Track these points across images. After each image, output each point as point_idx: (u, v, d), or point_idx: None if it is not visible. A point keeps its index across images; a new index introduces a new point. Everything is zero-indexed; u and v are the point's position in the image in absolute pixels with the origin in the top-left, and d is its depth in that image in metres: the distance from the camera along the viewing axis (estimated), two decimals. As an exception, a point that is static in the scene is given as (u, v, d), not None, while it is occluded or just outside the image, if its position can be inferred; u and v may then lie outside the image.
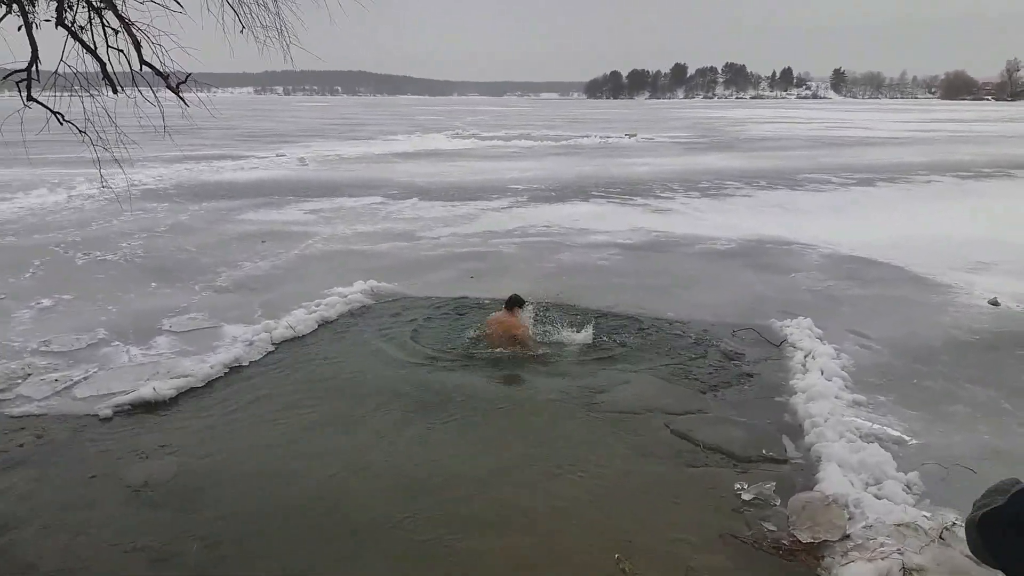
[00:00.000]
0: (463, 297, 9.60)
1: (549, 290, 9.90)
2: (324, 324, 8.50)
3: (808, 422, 5.77)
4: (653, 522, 4.54)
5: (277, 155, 30.94)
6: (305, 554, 4.25)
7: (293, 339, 7.97)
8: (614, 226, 14.73)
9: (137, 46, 5.20)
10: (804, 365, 6.99)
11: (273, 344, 7.77)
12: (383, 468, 5.22)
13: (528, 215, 16.25)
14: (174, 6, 5.39)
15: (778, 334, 8.01)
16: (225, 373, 7.01)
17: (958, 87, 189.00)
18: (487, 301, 9.31)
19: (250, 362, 7.31)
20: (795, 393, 6.39)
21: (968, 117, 72.75)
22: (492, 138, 43.22)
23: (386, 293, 9.77)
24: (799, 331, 7.89)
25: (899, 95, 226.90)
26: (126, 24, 5.18)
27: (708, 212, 16.63)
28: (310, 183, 22.04)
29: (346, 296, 9.33)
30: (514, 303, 7.89)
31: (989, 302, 9.15)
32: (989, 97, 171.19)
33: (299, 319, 8.35)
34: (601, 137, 43.06)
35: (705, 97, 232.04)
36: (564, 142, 39.87)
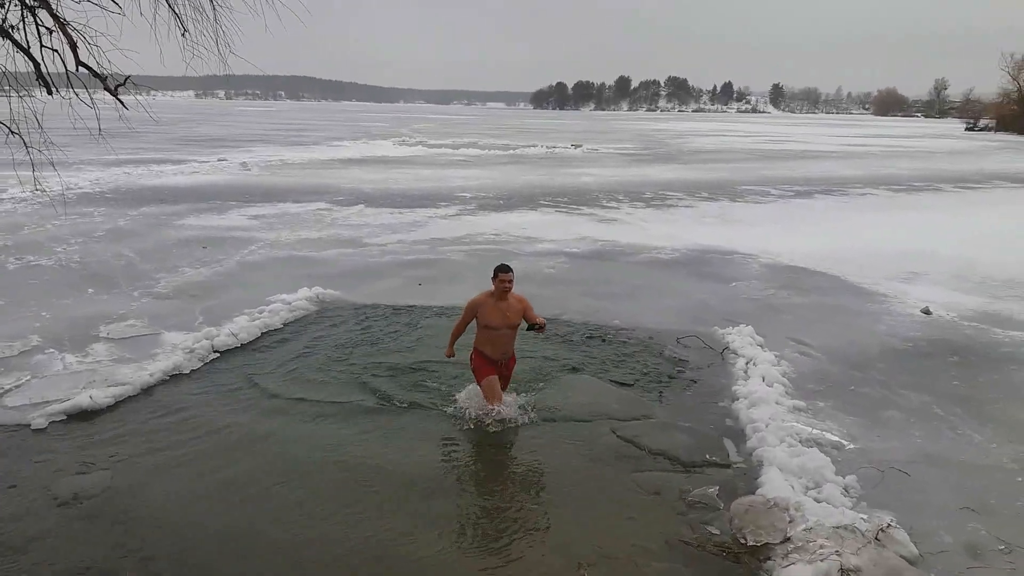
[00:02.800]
0: (412, 306, 9.54)
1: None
2: (268, 332, 8.35)
3: (750, 427, 5.89)
4: (604, 528, 4.57)
5: (219, 160, 30.33)
6: (243, 568, 4.15)
7: (236, 347, 7.81)
8: (561, 235, 14.83)
9: (73, 46, 5.05)
10: (746, 371, 7.13)
11: (215, 352, 7.60)
12: (324, 479, 5.14)
13: (476, 223, 16.26)
14: (111, 7, 5.26)
15: (720, 341, 8.16)
16: (164, 381, 6.83)
17: (890, 104, 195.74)
18: (427, 307, 9.27)
19: (191, 370, 7.13)
20: (737, 399, 6.52)
21: (900, 133, 75.40)
22: (439, 146, 43.16)
23: (332, 300, 9.65)
24: (741, 338, 8.05)
25: (835, 110, 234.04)
26: (61, 24, 5.04)
27: (652, 222, 16.87)
28: (253, 188, 21.65)
29: (290, 303, 9.18)
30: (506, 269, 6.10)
31: (922, 311, 9.48)
32: (919, 114, 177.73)
33: (242, 327, 8.18)
34: (548, 147, 43.36)
35: (649, 109, 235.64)
36: (511, 151, 40.03)
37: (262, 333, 8.27)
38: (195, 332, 7.98)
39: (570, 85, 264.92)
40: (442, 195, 20.91)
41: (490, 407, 6.05)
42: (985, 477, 5.21)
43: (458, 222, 16.41)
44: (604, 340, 8.26)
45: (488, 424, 5.96)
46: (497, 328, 6.03)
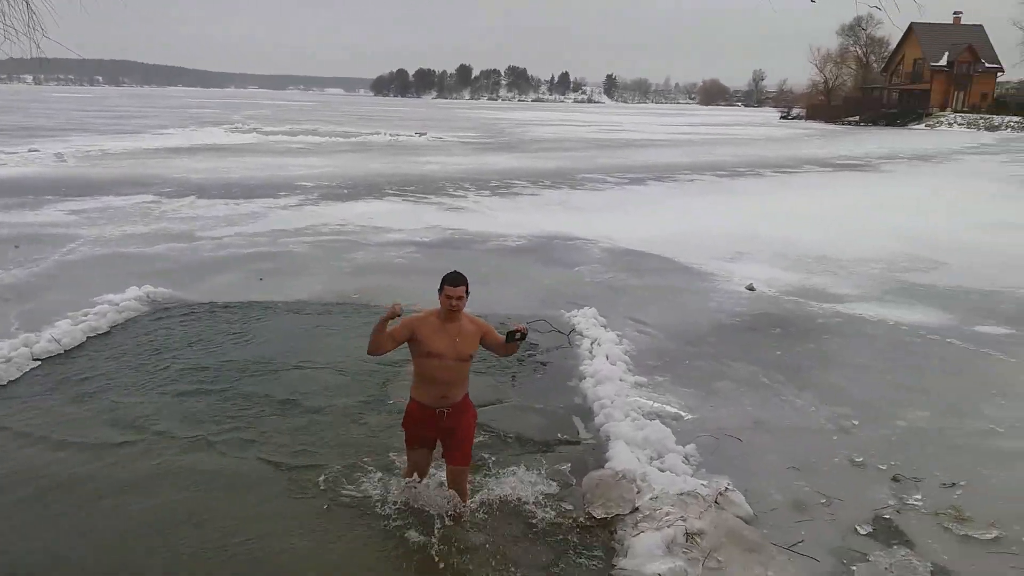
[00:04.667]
0: (254, 302, 9.17)
1: (347, 289, 9.75)
2: (94, 335, 7.75)
3: (597, 404, 6.16)
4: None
5: (29, 150, 27.60)
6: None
7: (59, 354, 7.19)
8: (409, 224, 14.74)
9: None
10: (591, 351, 7.43)
11: (35, 359, 6.97)
12: (170, 486, 4.88)
13: (319, 213, 15.84)
14: None
15: (567, 324, 8.44)
16: (-25, 395, 6.20)
17: (714, 94, 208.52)
18: (272, 303, 8.97)
19: (8, 380, 6.51)
20: (584, 378, 6.78)
21: (723, 121, 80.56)
22: (276, 133, 41.53)
23: (165, 299, 9.09)
24: (585, 320, 8.37)
25: (664, 100, 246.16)
26: None
27: (499, 210, 17.12)
28: (70, 181, 19.95)
29: (118, 304, 8.56)
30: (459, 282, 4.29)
31: (746, 288, 10.24)
32: (740, 103, 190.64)
33: (64, 331, 7.54)
34: (391, 135, 42.81)
35: (490, 98, 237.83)
36: (353, 139, 39.22)
37: (88, 338, 7.66)
38: (11, 339, 7.27)
39: (411, 72, 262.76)
40: (281, 184, 20.19)
41: (406, 480, 4.65)
42: (806, 438, 5.72)
43: (300, 212, 15.93)
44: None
45: (395, 503, 4.59)
46: (441, 357, 4.24)
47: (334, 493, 4.78)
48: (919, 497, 4.86)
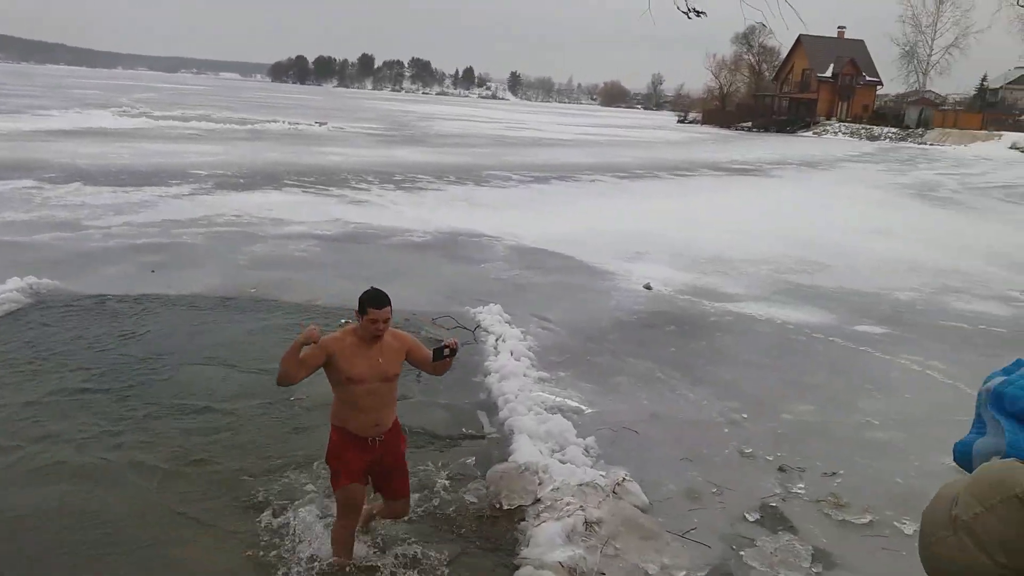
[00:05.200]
0: (146, 295, 8.81)
1: (244, 283, 9.51)
2: (-31, 328, 7.28)
3: (501, 399, 6.26)
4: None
5: None
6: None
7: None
8: (310, 217, 14.46)
9: None
10: (496, 347, 7.53)
11: (-100, 354, 6.50)
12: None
13: (214, 203, 15.32)
14: None
15: (473, 320, 8.51)
16: None
17: (615, 95, 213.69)
18: (165, 297, 8.66)
19: None
20: (489, 373, 6.87)
21: (624, 123, 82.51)
22: (167, 118, 39.70)
23: (50, 291, 8.62)
24: (491, 316, 8.47)
25: (567, 100, 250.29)
26: None
27: (404, 205, 17.02)
28: (-63, 162, 18.56)
29: (-3, 295, 8.07)
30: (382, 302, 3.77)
31: (644, 287, 10.58)
32: (639, 106, 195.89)
33: (-65, 323, 7.06)
34: (290, 123, 41.73)
35: (393, 90, 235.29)
36: (250, 126, 37.99)
37: (-38, 330, 7.20)
38: None
39: (311, 59, 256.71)
40: (174, 172, 19.39)
41: (334, 559, 3.97)
42: (699, 430, 6.00)
43: (193, 202, 15.36)
44: (359, 323, 8.25)
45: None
46: (363, 381, 3.74)
47: (230, 496, 4.67)
48: (802, 486, 5.18)
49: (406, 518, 4.33)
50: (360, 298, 3.75)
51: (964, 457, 1.47)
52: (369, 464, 3.89)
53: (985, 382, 1.51)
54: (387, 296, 3.77)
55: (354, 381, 3.73)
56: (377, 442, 3.86)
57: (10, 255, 10.07)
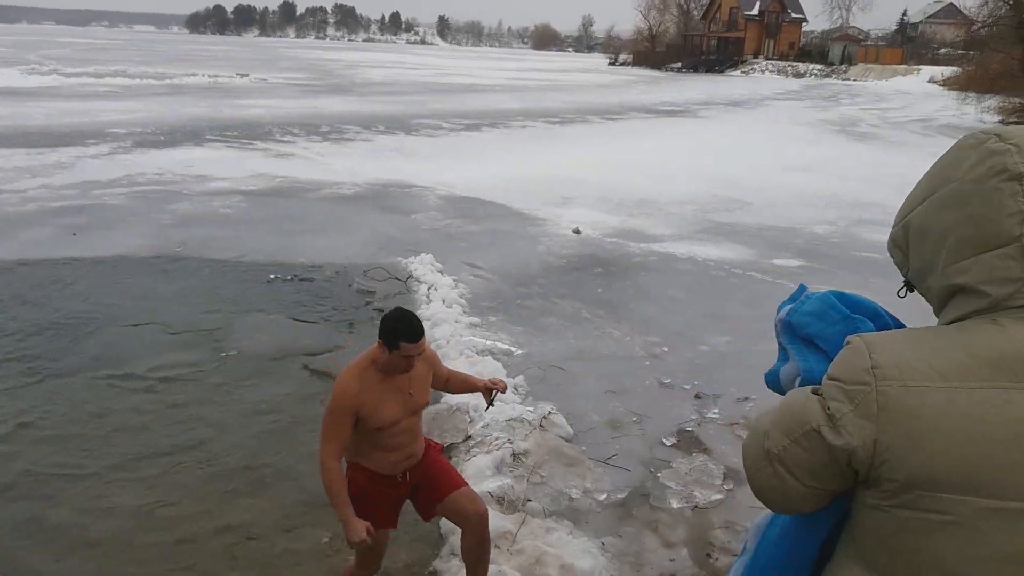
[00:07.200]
0: (71, 258, 8.64)
1: (169, 242, 9.40)
2: None
3: (433, 345, 6.41)
4: (303, 456, 4.75)
5: None
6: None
7: None
8: (234, 172, 14.20)
9: None
10: (428, 296, 7.68)
11: None
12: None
13: (134, 162, 14.89)
14: None
15: (404, 271, 8.63)
16: None
17: (546, 39, 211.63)
18: (88, 259, 8.51)
19: None
20: (422, 321, 7.02)
21: (554, 67, 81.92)
22: (80, 75, 37.90)
23: (-35, 258, 8.40)
24: (422, 266, 8.60)
25: (497, 44, 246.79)
26: None
27: (331, 156, 16.81)
28: None
29: (-91, 264, 7.83)
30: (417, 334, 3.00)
31: (573, 231, 10.81)
32: (571, 49, 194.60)
33: None
34: (210, 76, 40.30)
35: (317, 38, 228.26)
36: (168, 81, 36.56)
37: None
38: None
39: (230, 8, 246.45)
40: (90, 132, 18.69)
41: None
42: (622, 365, 6.30)
43: (112, 161, 14.90)
44: (291, 278, 8.28)
45: None
46: (395, 424, 3.06)
47: (162, 467, 4.69)
48: (716, 411, 5.53)
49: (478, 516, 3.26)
50: (386, 325, 2.95)
51: (775, 385, 1.62)
52: (401, 500, 3.30)
53: (777, 312, 1.64)
54: (421, 324, 3.03)
55: (384, 428, 3.04)
56: (408, 474, 3.22)
57: (-81, 223, 9.71)
